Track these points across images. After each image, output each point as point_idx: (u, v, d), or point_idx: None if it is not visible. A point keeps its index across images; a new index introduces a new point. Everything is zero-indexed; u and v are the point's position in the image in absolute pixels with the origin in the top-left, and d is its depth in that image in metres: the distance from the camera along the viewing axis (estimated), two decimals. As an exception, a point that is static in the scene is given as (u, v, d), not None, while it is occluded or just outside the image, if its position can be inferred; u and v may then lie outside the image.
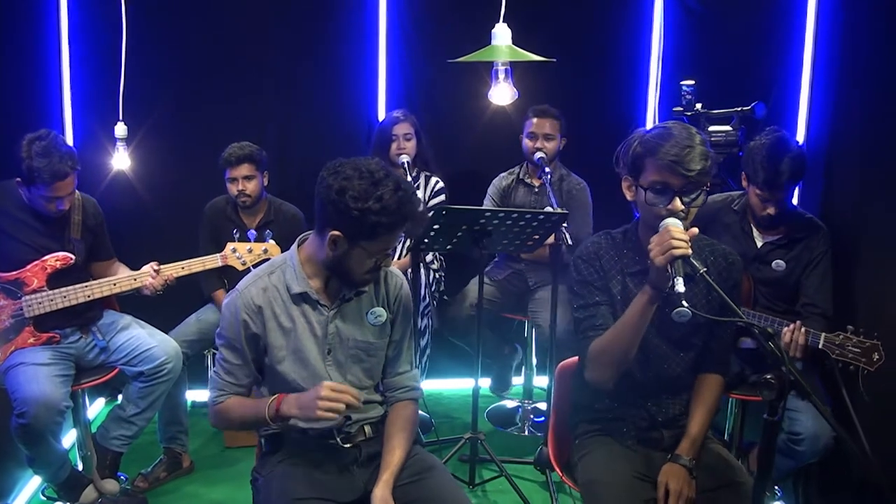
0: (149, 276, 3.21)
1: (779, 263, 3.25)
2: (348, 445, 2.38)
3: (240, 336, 2.29)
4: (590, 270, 2.41)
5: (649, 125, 4.44)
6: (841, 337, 2.82)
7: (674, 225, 2.13)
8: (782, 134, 3.13)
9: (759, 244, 3.29)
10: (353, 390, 2.18)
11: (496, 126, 4.51)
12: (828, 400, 3.04)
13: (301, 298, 2.31)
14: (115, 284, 3.19)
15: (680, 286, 2.05)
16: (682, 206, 2.19)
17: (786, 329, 2.96)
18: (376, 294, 2.42)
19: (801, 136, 3.91)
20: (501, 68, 2.83)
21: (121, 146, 3.53)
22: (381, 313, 2.40)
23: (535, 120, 4.06)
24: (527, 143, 4.07)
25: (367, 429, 2.43)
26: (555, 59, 3.02)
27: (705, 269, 2.08)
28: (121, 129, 3.52)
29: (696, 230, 2.15)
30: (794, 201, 3.86)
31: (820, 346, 2.86)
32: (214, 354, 4.21)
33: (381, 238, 2.17)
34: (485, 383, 4.72)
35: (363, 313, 2.39)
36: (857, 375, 2.79)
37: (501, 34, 2.85)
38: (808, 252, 3.24)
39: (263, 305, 2.30)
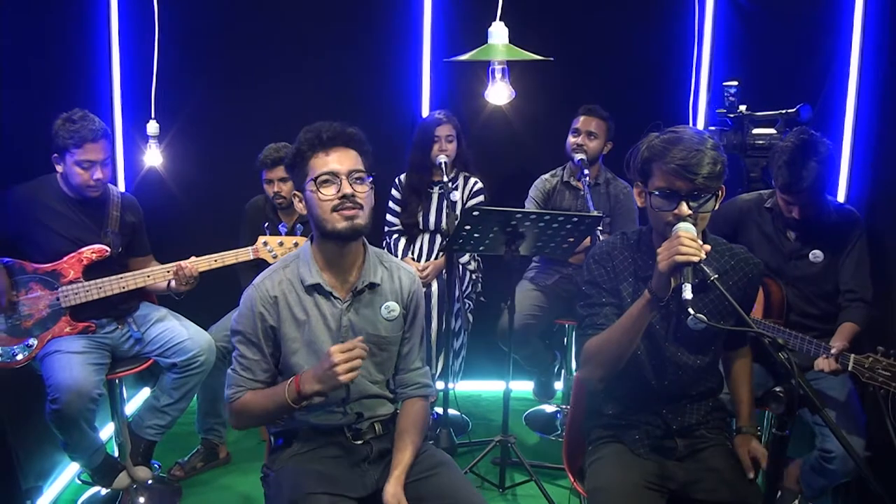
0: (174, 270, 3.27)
1: (816, 254, 3.14)
2: (359, 442, 2.39)
3: (256, 329, 2.33)
4: (600, 271, 2.38)
5: (700, 125, 4.36)
6: (870, 359, 2.67)
7: (685, 230, 2.08)
8: (809, 137, 2.99)
9: (793, 237, 3.18)
10: (358, 342, 2.18)
11: (537, 127, 4.48)
12: (862, 416, 2.90)
13: (314, 289, 2.35)
14: (148, 276, 3.26)
15: (687, 293, 2.00)
16: (689, 211, 2.13)
17: (820, 359, 2.86)
18: (390, 289, 2.44)
19: (847, 138, 3.75)
20: (498, 67, 2.79)
21: (153, 143, 3.62)
22: (394, 308, 2.43)
23: (581, 117, 4.03)
24: (570, 139, 4.03)
25: (378, 426, 2.44)
26: (552, 59, 2.96)
27: (716, 276, 2.02)
28: (153, 127, 3.60)
29: (708, 247, 2.08)
30: (841, 198, 3.72)
31: (850, 369, 2.73)
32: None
33: (308, 163, 2.27)
34: (526, 386, 4.69)
35: (377, 307, 2.41)
36: (888, 400, 2.65)
37: (498, 33, 2.81)
38: (843, 240, 3.13)
39: (279, 296, 2.34)
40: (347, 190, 2.24)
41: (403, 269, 2.50)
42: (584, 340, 2.33)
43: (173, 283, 3.28)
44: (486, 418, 4.47)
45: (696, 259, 2.01)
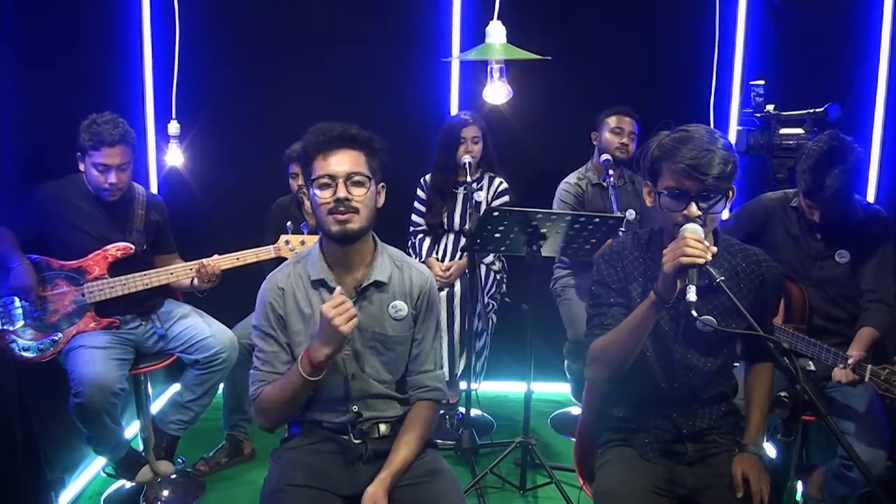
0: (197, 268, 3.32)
1: (842, 253, 3.06)
2: (357, 441, 2.38)
3: (270, 321, 2.37)
4: (609, 272, 2.35)
5: (732, 128, 4.29)
6: (886, 371, 2.59)
7: (691, 231, 2.05)
8: (839, 143, 2.90)
9: (819, 237, 3.10)
10: (342, 297, 2.21)
11: (564, 127, 4.47)
12: (885, 427, 2.81)
13: (320, 284, 2.37)
14: (171, 273, 3.32)
15: (691, 295, 1.97)
16: (699, 212, 2.09)
17: (837, 369, 2.79)
18: (399, 288, 2.44)
19: (877, 137, 3.64)
20: (496, 66, 2.77)
21: (174, 143, 3.67)
22: (402, 307, 2.42)
23: (618, 116, 4.02)
24: (609, 137, 4.00)
25: (382, 427, 2.43)
26: (550, 58, 2.93)
27: (723, 279, 1.99)
28: (174, 127, 3.66)
29: (715, 248, 2.05)
30: (870, 198, 3.62)
31: (866, 380, 2.65)
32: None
33: (312, 164, 2.28)
34: (551, 388, 4.68)
35: (384, 306, 2.41)
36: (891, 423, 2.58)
37: (496, 32, 2.79)
38: (870, 240, 3.04)
39: (286, 288, 2.38)
40: (341, 193, 2.24)
41: (415, 269, 2.48)
42: (591, 340, 2.30)
43: (196, 280, 3.33)
44: (511, 419, 4.44)
45: (701, 261, 1.98)
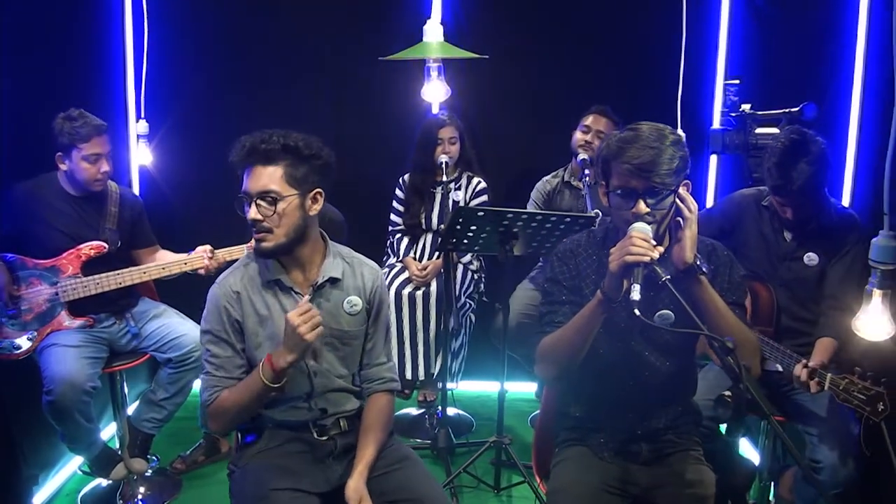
0: (202, 259, 3.35)
1: (810, 257, 3.03)
2: (324, 438, 2.42)
3: (224, 325, 2.36)
4: (562, 269, 2.35)
5: (716, 124, 4.29)
6: (846, 381, 2.54)
7: (638, 231, 2.05)
8: (800, 137, 2.89)
9: (789, 238, 3.08)
10: (309, 305, 2.23)
11: (544, 124, 4.45)
12: (855, 430, 2.78)
13: (275, 285, 2.38)
14: (144, 273, 3.33)
15: (635, 294, 1.97)
16: (647, 209, 2.09)
17: (798, 365, 2.72)
18: (353, 284, 2.47)
19: (852, 140, 3.61)
20: (434, 65, 2.78)
21: (142, 142, 3.68)
22: (356, 302, 2.45)
23: (592, 116, 3.98)
24: (577, 134, 3.97)
25: (343, 423, 2.46)
26: (487, 56, 2.92)
27: (668, 277, 1.99)
28: (142, 126, 3.68)
29: (661, 248, 2.06)
30: (846, 202, 3.59)
31: (825, 388, 2.61)
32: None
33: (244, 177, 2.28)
34: (531, 388, 4.68)
35: (339, 302, 2.44)
36: (860, 423, 2.56)
37: (432, 31, 2.79)
38: (840, 244, 3.00)
39: (241, 291, 2.37)
40: (251, 215, 2.26)
41: (366, 265, 2.52)
42: (542, 337, 2.30)
43: (209, 262, 3.36)
44: (492, 419, 4.37)
45: (646, 259, 1.99)
